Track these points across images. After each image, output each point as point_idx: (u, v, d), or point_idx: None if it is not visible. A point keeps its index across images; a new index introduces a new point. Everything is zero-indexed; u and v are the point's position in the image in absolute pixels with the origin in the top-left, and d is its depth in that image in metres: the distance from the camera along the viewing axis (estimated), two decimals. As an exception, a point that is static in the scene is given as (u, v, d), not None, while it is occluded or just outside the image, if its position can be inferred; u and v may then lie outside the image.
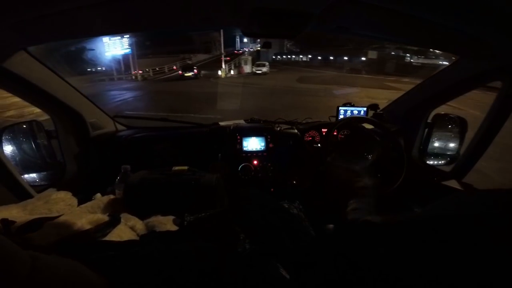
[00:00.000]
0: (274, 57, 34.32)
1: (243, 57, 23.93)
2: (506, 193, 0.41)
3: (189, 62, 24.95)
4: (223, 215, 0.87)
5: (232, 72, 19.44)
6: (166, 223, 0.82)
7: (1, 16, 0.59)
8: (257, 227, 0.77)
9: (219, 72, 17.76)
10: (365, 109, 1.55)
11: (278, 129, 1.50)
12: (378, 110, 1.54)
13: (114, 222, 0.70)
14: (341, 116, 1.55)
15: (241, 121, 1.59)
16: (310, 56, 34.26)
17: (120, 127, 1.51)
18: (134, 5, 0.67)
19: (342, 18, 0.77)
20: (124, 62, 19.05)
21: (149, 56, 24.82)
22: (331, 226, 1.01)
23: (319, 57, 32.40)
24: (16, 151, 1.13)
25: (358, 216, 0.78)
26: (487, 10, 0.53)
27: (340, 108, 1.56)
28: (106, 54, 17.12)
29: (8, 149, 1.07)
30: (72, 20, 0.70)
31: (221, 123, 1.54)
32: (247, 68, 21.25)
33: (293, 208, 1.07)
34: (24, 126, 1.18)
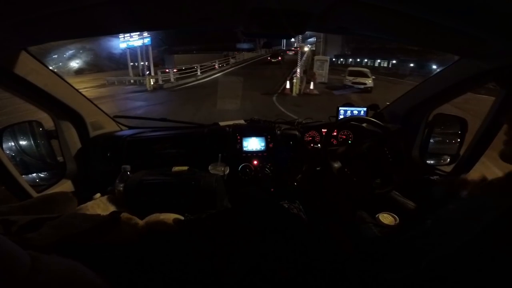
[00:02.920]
0: (334, 59, 23.65)
1: (318, 57, 14.33)
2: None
3: (233, 60, 19.96)
4: (223, 215, 0.87)
5: (311, 86, 10.35)
6: (166, 223, 0.82)
7: (1, 16, 0.59)
8: (257, 227, 0.77)
9: (287, 85, 9.81)
10: (365, 109, 1.55)
11: (278, 129, 1.50)
12: (378, 110, 1.54)
13: (114, 222, 0.70)
14: (341, 116, 1.55)
15: (241, 121, 1.59)
16: (394, 61, 22.69)
17: (120, 127, 1.52)
18: (134, 5, 0.67)
19: (342, 18, 0.77)
20: (148, 58, 14.09)
21: (193, 52, 20.67)
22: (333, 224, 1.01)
23: (411, 64, 19.86)
24: (16, 151, 1.13)
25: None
26: (487, 10, 0.53)
27: (340, 108, 1.56)
28: (121, 45, 13.73)
29: (8, 149, 1.07)
30: (72, 20, 0.70)
31: (221, 123, 1.54)
32: (321, 76, 13.09)
33: (293, 208, 1.07)
34: (24, 126, 1.18)
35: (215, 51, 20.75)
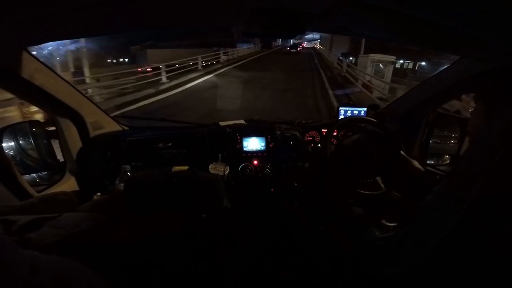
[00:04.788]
0: (342, 58, 17.13)
1: (375, 57, 9.17)
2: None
3: (225, 57, 15.38)
4: (223, 215, 0.87)
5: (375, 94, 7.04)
6: (166, 222, 0.82)
7: (1, 16, 0.59)
8: (257, 227, 0.77)
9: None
10: (365, 109, 1.55)
11: (278, 129, 1.50)
12: (378, 110, 1.54)
13: (114, 222, 0.70)
14: (341, 116, 1.55)
15: (241, 121, 1.59)
16: (423, 63, 16.76)
17: (120, 127, 1.52)
18: (134, 5, 0.67)
19: (342, 18, 0.77)
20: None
21: (182, 46, 16.19)
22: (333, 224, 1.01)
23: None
24: (17, 151, 1.13)
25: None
26: (487, 10, 0.53)
27: (340, 108, 1.56)
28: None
29: (8, 149, 1.08)
30: (72, 20, 0.70)
31: (221, 123, 1.54)
32: (379, 88, 7.78)
33: (293, 208, 1.08)
34: (24, 126, 1.18)
35: (206, 47, 15.53)
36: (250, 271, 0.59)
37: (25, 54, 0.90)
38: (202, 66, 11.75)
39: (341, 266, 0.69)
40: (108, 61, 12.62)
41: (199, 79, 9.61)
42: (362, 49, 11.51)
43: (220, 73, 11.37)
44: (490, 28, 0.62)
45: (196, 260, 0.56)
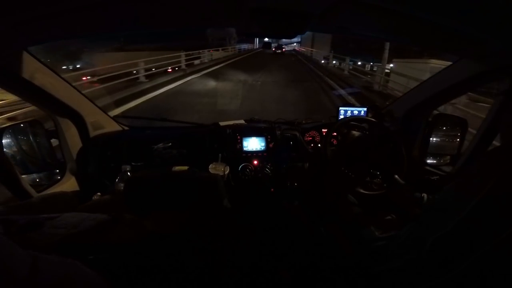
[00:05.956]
0: (323, 62, 15.57)
1: (434, 64, 6.02)
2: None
3: (197, 62, 11.81)
4: (223, 215, 0.87)
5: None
6: (166, 222, 0.82)
7: (1, 16, 0.59)
8: (257, 227, 0.77)
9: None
10: (365, 109, 1.55)
11: (278, 129, 1.50)
12: (378, 110, 1.54)
13: (114, 222, 0.70)
14: (342, 116, 1.55)
15: (241, 121, 1.59)
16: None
17: (120, 127, 1.52)
18: (134, 5, 0.67)
19: (342, 18, 0.77)
20: None
21: (146, 49, 13.47)
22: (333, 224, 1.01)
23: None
24: (16, 151, 1.13)
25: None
26: (487, 10, 0.53)
27: (340, 108, 1.56)
28: None
29: (8, 149, 1.07)
30: (73, 20, 0.70)
31: (221, 123, 1.54)
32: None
33: (293, 208, 1.08)
34: (24, 126, 1.18)
35: (173, 51, 10.84)
36: (250, 271, 0.59)
37: (25, 54, 0.90)
38: (146, 76, 7.81)
39: (341, 266, 0.69)
40: (64, 67, 9.89)
41: (137, 100, 5.57)
42: (387, 52, 8.62)
43: (179, 86, 7.41)
44: (489, 28, 0.62)
45: (196, 260, 0.56)
